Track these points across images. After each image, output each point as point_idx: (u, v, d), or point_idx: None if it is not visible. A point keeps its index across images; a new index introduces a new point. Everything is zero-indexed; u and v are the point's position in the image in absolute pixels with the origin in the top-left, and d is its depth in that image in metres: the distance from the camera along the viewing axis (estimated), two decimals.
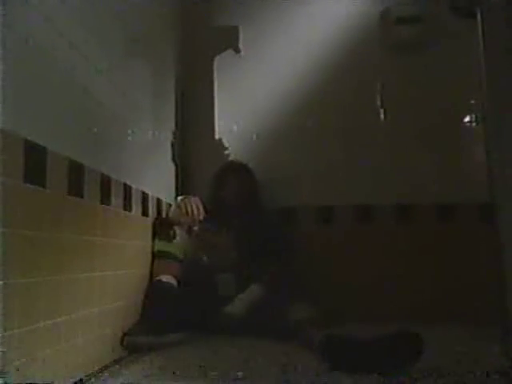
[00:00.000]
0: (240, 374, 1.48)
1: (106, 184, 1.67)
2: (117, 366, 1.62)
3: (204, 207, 2.30)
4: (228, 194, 2.49)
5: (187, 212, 2.24)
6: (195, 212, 2.25)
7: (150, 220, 2.19)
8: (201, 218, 2.28)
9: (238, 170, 2.57)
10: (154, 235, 2.22)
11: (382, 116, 2.77)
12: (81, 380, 1.42)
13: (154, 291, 2.07)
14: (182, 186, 2.75)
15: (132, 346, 1.79)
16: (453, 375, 1.42)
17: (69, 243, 1.39)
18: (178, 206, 2.28)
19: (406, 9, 2.79)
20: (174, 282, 2.13)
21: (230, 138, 2.84)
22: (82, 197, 1.48)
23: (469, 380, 1.39)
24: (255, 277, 2.21)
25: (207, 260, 2.33)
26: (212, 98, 2.87)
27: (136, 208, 1.99)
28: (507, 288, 1.16)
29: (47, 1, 1.34)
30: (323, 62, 2.84)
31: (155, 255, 2.19)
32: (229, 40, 2.89)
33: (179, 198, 2.38)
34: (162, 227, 2.23)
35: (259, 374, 1.49)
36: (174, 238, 2.23)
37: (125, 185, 1.86)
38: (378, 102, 2.77)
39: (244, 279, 2.22)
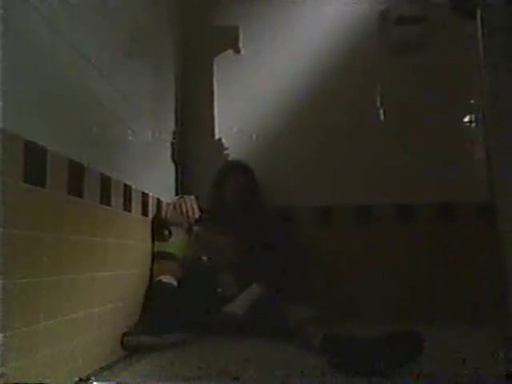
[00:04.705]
0: (240, 374, 1.48)
1: (105, 184, 1.67)
2: (117, 367, 1.62)
3: (199, 206, 2.32)
4: (228, 193, 2.49)
5: (182, 212, 2.26)
6: (190, 211, 2.27)
7: (149, 220, 2.19)
8: (196, 216, 2.30)
9: (238, 169, 2.57)
10: (154, 235, 2.22)
11: (382, 116, 2.77)
12: (81, 380, 1.42)
13: (153, 291, 2.07)
14: (182, 186, 2.75)
15: (132, 346, 1.79)
16: (453, 375, 1.42)
17: (69, 243, 1.39)
18: (174, 206, 2.30)
19: (406, 9, 2.79)
20: (174, 282, 2.13)
21: (230, 138, 2.84)
22: (81, 197, 1.48)
23: (469, 380, 1.39)
24: (255, 277, 2.21)
25: (207, 260, 2.33)
26: (212, 98, 2.87)
27: (136, 208, 1.99)
28: (507, 288, 1.16)
29: (47, 1, 1.34)
30: (323, 62, 2.85)
31: (155, 256, 2.19)
32: (229, 40, 2.89)
33: (174, 198, 2.40)
34: (158, 227, 2.23)
35: (259, 374, 1.49)
36: (170, 237, 2.23)
37: (125, 185, 1.86)
38: (378, 102, 2.77)
39: (244, 279, 2.22)
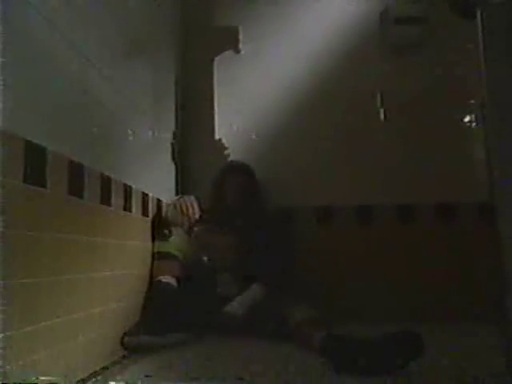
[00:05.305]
0: (240, 374, 1.48)
1: (106, 184, 1.67)
2: (117, 367, 1.62)
3: (199, 206, 2.32)
4: (229, 194, 2.49)
5: (182, 212, 2.27)
6: (190, 211, 2.28)
7: (150, 220, 2.19)
8: (196, 216, 2.30)
9: (238, 170, 2.57)
10: (154, 236, 2.22)
11: (382, 116, 2.77)
12: (81, 380, 1.42)
13: (153, 292, 2.07)
14: (182, 186, 2.75)
15: (132, 346, 1.79)
16: (453, 375, 1.42)
17: (69, 244, 1.39)
18: (174, 206, 2.30)
19: (406, 9, 2.79)
20: (174, 282, 2.13)
21: (230, 138, 2.84)
22: (81, 197, 1.48)
23: (469, 380, 1.39)
24: (255, 277, 2.21)
25: (207, 260, 2.33)
26: (212, 98, 2.87)
27: (136, 208, 1.99)
28: (507, 288, 1.16)
29: (48, 1, 1.34)
30: (323, 61, 2.85)
31: (155, 256, 2.19)
32: (229, 40, 2.89)
33: (174, 198, 2.41)
34: (158, 227, 2.23)
35: (259, 374, 1.49)
36: (170, 236, 2.23)
37: (125, 185, 1.86)
38: (378, 102, 2.77)
39: (244, 279, 2.22)
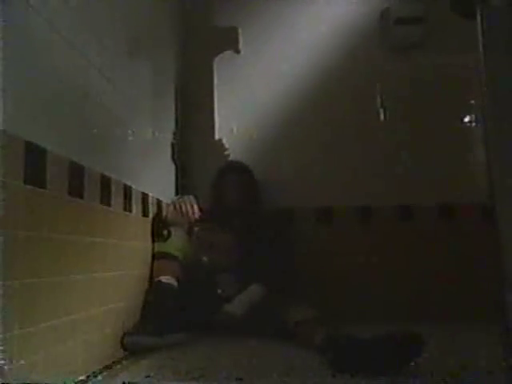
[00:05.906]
0: (240, 374, 1.48)
1: (105, 185, 1.67)
2: (117, 367, 1.62)
3: (199, 206, 2.32)
4: (228, 194, 2.49)
5: (182, 212, 2.27)
6: (190, 211, 2.28)
7: (150, 220, 2.19)
8: (196, 216, 2.30)
9: (237, 170, 2.57)
10: (154, 236, 2.22)
11: (381, 116, 2.77)
12: (81, 381, 1.42)
13: (154, 292, 2.07)
14: (182, 186, 2.75)
15: (132, 346, 1.79)
16: (453, 375, 1.42)
17: (69, 244, 1.39)
18: (174, 207, 2.30)
19: (406, 9, 2.80)
20: (174, 282, 2.12)
21: (230, 138, 2.84)
22: (82, 197, 1.48)
23: (469, 380, 1.39)
24: (255, 277, 2.21)
25: (207, 260, 2.33)
26: (212, 98, 2.87)
27: (136, 208, 1.99)
28: (507, 288, 1.16)
29: (48, 2, 1.34)
30: (323, 62, 2.85)
31: (155, 256, 2.19)
32: (228, 40, 2.89)
33: (174, 198, 2.41)
34: (158, 227, 2.23)
35: (259, 375, 1.49)
36: (170, 237, 2.23)
37: (125, 185, 1.86)
38: (378, 102, 2.77)
39: (243, 279, 2.22)
